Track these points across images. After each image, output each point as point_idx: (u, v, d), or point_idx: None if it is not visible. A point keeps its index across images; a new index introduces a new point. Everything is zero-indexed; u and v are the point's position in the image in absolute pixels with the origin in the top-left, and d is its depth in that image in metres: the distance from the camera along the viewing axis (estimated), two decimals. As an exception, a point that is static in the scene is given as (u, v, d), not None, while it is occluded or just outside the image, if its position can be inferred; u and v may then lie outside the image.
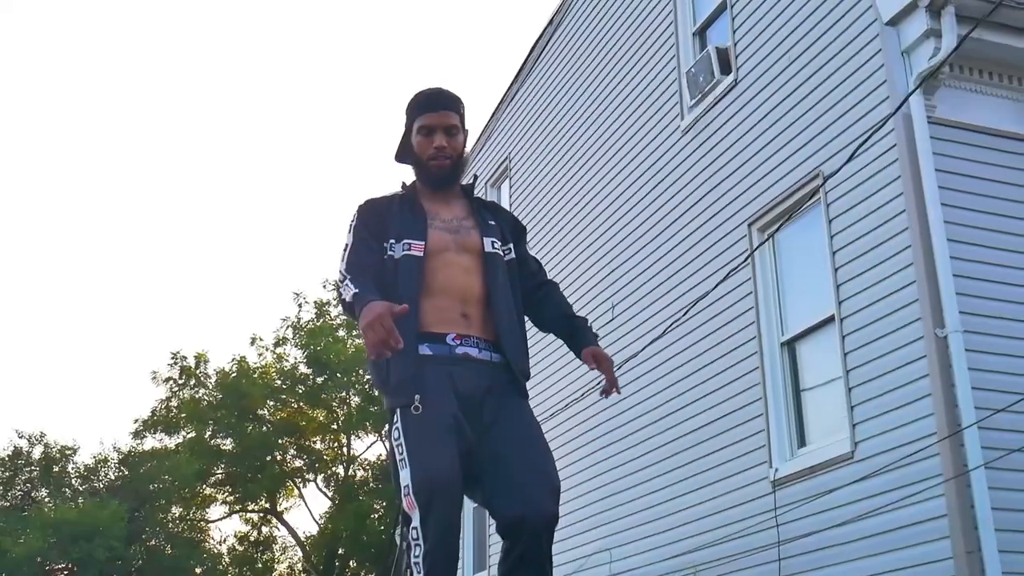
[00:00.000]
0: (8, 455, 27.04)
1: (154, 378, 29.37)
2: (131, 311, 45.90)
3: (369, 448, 30.00)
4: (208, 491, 29.49)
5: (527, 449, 3.03)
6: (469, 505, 10.87)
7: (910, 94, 6.57)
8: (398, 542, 3.05)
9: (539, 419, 3.34)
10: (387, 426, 3.10)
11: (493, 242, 3.24)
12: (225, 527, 49.99)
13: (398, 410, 3.00)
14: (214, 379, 29.39)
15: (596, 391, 9.70)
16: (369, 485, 29.24)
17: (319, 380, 29.02)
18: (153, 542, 26.64)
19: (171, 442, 28.88)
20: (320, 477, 29.88)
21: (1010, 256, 6.52)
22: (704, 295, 8.35)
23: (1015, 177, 6.75)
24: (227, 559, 30.11)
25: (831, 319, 7.11)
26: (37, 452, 27.30)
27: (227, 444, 29.10)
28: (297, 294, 30.94)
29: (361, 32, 52.50)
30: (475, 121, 17.06)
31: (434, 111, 3.25)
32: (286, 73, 50.45)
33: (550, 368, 10.49)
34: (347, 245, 3.17)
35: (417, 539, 2.91)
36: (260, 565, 30.61)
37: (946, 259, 6.24)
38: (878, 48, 6.89)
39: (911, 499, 6.15)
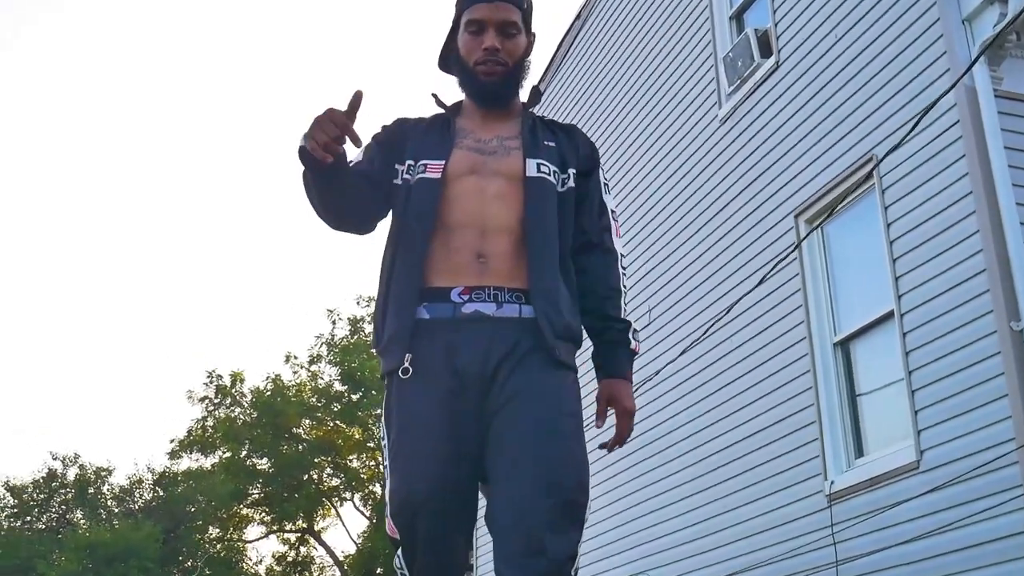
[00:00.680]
0: (43, 477, 27.07)
1: (189, 397, 29.34)
2: (165, 330, 45.91)
3: (406, 466, 29.58)
4: (245, 511, 29.30)
5: (537, 447, 2.20)
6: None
7: (972, 64, 5.99)
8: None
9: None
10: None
11: (541, 165, 2.45)
12: (262, 548, 49.92)
13: (389, 382, 2.35)
14: (249, 398, 29.23)
15: (638, 393, 9.13)
16: (407, 504, 28.80)
17: (354, 397, 28.85)
18: (189, 563, 26.40)
19: (207, 462, 28.78)
20: (357, 496, 29.58)
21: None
22: (747, 293, 7.80)
23: (1092, 153, 6.13)
24: (265, 580, 29.87)
25: (889, 315, 6.54)
26: (72, 474, 27.32)
27: (263, 463, 28.93)
28: (331, 311, 30.77)
29: (386, 38, 52.46)
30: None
31: (488, 0, 2.49)
32: (326, 90, 50.47)
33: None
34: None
35: (402, 568, 2.30)
36: (298, 586, 30.34)
37: (1020, 244, 5.65)
38: (936, 16, 6.33)
39: (986, 513, 5.58)
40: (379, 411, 24.61)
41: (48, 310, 45.78)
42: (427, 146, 2.47)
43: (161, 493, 26.84)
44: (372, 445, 29.35)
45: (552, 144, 2.51)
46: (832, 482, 6.81)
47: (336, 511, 29.86)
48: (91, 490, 27.11)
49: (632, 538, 9.14)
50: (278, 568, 30.37)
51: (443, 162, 2.42)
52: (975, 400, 5.74)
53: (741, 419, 7.87)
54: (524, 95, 2.60)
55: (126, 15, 47.82)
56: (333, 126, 2.16)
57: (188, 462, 28.79)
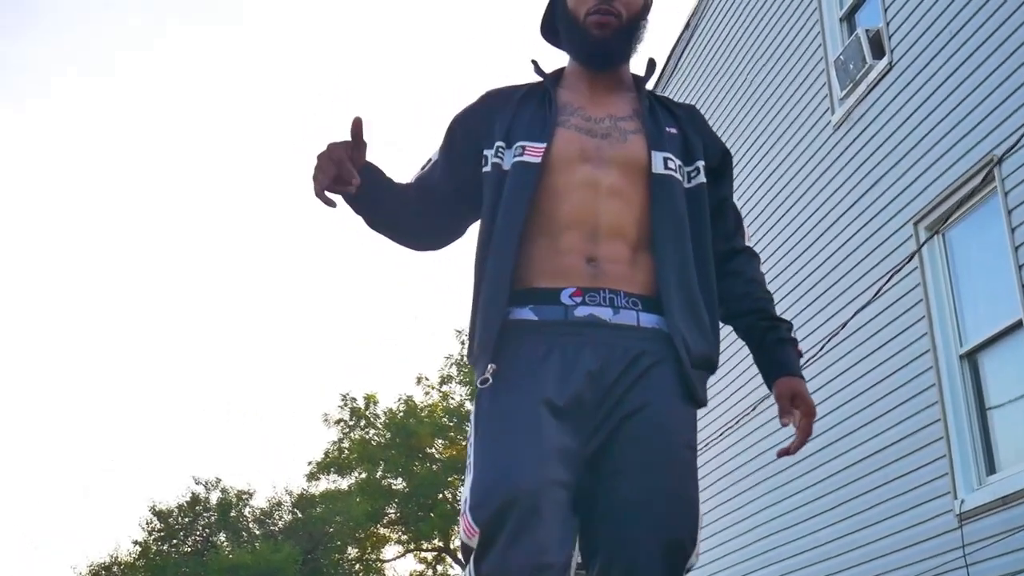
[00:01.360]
0: (187, 501, 27.85)
1: (325, 420, 29.85)
2: (300, 354, 46.95)
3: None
4: (382, 531, 29.67)
5: (655, 479, 1.95)
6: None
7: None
8: None
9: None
10: None
11: (668, 159, 2.12)
12: (400, 567, 50.48)
13: (479, 393, 2.05)
14: (383, 419, 29.64)
15: (755, 415, 8.86)
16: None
17: (485, 416, 28.84)
18: (328, 584, 26.90)
19: (344, 483, 29.26)
20: (491, 514, 29.59)
21: None
22: (866, 305, 7.46)
23: None
24: (403, 599, 30.21)
25: (1018, 325, 6.16)
26: (214, 498, 28.05)
27: (398, 483, 29.26)
28: (459, 331, 30.93)
29: (386, 38, 52.63)
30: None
31: None
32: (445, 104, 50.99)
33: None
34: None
35: None
36: (436, 604, 30.55)
37: None
38: (1055, 8, 5.95)
39: None
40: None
41: (191, 340, 47.34)
42: (522, 123, 2.13)
43: (300, 515, 27.40)
44: (504, 463, 29.39)
45: (674, 131, 2.19)
46: (962, 501, 6.43)
47: (470, 530, 29.96)
48: (233, 513, 27.84)
49: (754, 561, 8.85)
50: (415, 587, 30.69)
51: (544, 145, 2.08)
52: (1113, 414, 5.37)
53: (863, 437, 7.52)
54: (636, 67, 2.29)
55: (126, 15, 48.94)
56: (331, 165, 1.99)
57: (325, 483, 29.36)
